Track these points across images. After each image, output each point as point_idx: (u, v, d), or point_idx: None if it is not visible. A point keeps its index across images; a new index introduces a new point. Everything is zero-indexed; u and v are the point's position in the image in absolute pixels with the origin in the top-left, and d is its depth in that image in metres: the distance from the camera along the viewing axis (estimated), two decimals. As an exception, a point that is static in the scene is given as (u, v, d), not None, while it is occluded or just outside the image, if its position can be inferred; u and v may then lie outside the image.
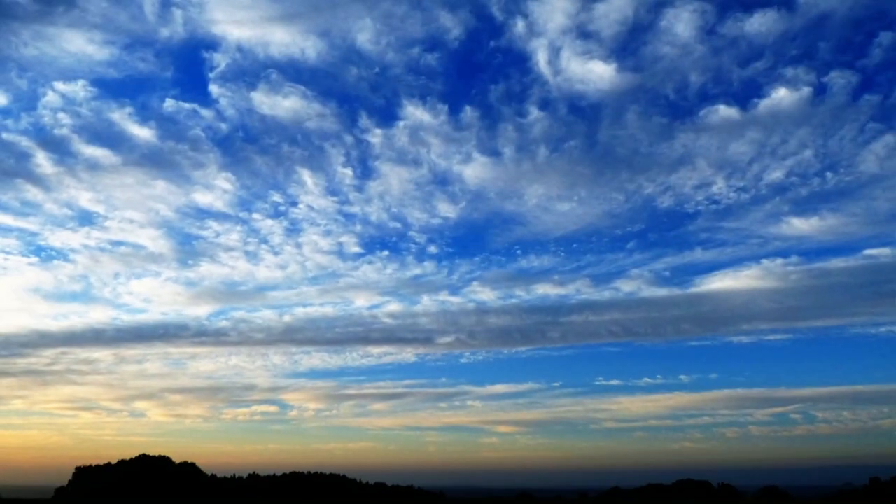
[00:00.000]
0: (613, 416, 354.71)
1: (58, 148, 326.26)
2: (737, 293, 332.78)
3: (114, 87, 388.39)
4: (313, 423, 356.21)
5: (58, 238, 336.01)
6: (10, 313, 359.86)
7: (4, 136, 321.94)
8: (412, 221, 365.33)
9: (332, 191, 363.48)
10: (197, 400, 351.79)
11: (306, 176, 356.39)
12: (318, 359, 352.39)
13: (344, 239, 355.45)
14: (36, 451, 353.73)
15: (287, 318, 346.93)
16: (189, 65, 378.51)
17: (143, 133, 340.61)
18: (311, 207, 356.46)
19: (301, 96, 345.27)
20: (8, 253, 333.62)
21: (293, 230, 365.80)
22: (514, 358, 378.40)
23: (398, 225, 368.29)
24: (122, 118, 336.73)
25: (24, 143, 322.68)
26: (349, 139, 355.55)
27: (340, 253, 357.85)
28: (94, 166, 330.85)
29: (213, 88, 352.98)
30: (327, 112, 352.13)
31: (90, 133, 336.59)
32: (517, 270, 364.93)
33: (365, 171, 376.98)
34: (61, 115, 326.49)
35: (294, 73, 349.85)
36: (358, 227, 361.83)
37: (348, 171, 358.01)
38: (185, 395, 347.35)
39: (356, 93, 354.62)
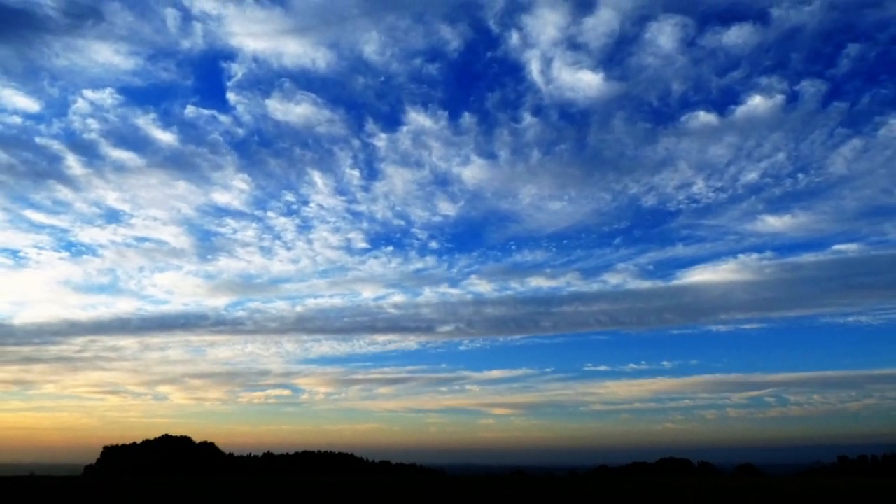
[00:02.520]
0: (601, 399, 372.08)
1: (87, 151, 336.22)
2: (715, 285, 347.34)
3: (139, 95, 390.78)
4: (323, 405, 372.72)
5: (87, 234, 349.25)
6: (42, 304, 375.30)
7: (38, 140, 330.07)
8: (415, 219, 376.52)
9: (340, 191, 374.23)
10: (215, 384, 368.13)
11: (317, 177, 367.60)
12: (327, 346, 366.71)
13: (351, 235, 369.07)
14: (66, 432, 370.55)
15: (299, 309, 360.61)
16: (208, 74, 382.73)
17: (165, 137, 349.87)
18: (321, 206, 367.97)
19: (312, 103, 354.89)
20: (41, 248, 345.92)
21: (305, 227, 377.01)
22: (509, 345, 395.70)
23: (402, 222, 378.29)
24: (147, 123, 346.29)
25: (56, 146, 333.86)
26: (356, 143, 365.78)
27: (348, 248, 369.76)
28: (120, 168, 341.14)
29: (231, 96, 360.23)
30: (336, 118, 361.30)
31: (117, 137, 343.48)
32: (512, 264, 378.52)
33: (371, 172, 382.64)
34: (90, 120, 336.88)
35: (305, 81, 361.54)
36: (364, 225, 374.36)
37: (356, 173, 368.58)
38: (204, 380, 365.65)
39: (363, 100, 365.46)
